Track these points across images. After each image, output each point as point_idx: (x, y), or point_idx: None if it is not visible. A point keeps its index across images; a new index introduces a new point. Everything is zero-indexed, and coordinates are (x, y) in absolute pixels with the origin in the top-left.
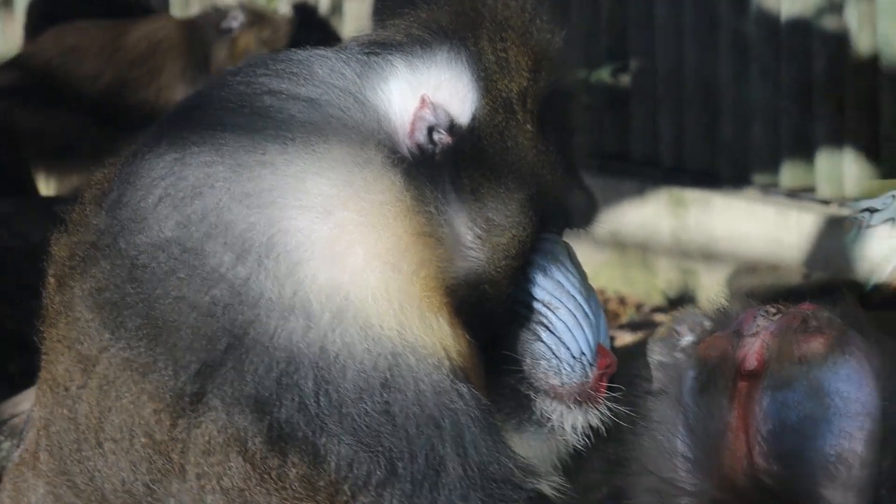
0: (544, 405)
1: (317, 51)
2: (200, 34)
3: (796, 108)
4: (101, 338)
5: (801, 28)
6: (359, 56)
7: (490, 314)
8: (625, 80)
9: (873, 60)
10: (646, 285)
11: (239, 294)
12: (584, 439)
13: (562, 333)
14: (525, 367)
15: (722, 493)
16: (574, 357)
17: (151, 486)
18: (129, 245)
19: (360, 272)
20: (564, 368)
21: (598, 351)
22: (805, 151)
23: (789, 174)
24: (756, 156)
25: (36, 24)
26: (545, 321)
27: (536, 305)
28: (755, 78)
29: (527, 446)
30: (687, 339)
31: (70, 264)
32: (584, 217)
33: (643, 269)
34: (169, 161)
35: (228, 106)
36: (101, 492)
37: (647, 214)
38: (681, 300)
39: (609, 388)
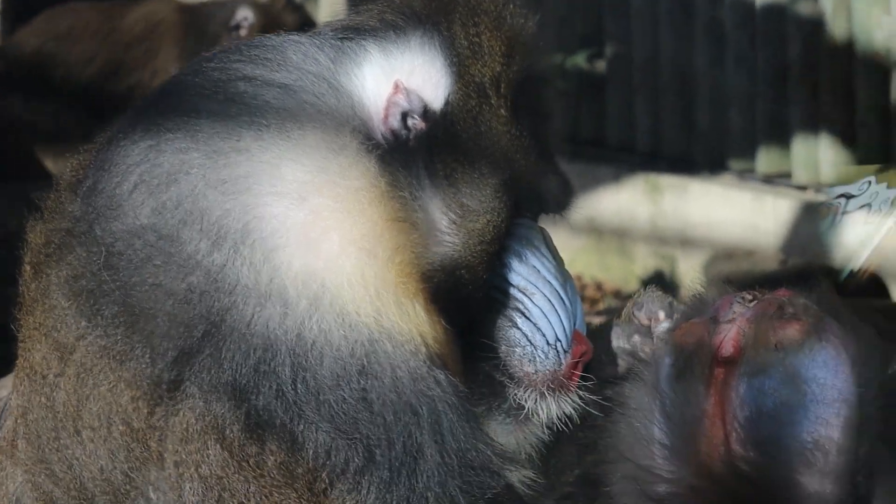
0: (518, 392)
1: (291, 36)
2: (200, 20)
3: (772, 93)
4: (78, 325)
5: (777, 14)
6: (332, 41)
7: (466, 300)
8: (600, 65)
9: (848, 46)
10: (623, 271)
11: (215, 281)
12: (557, 426)
13: (537, 319)
14: (500, 354)
15: (699, 480)
16: (549, 343)
17: (130, 474)
18: (104, 232)
19: (336, 258)
20: (539, 355)
21: (575, 337)
22: (781, 137)
23: (765, 160)
24: (732, 141)
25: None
26: (521, 307)
27: (512, 291)
28: (731, 64)
29: (501, 433)
30: (663, 325)
31: (46, 252)
32: (559, 202)
33: (620, 255)
34: (144, 148)
35: (203, 92)
36: (79, 480)
37: (624, 200)
38: (658, 286)
39: (584, 375)
